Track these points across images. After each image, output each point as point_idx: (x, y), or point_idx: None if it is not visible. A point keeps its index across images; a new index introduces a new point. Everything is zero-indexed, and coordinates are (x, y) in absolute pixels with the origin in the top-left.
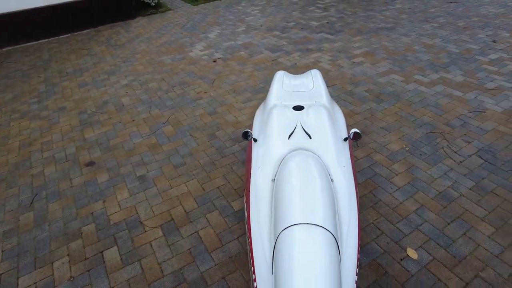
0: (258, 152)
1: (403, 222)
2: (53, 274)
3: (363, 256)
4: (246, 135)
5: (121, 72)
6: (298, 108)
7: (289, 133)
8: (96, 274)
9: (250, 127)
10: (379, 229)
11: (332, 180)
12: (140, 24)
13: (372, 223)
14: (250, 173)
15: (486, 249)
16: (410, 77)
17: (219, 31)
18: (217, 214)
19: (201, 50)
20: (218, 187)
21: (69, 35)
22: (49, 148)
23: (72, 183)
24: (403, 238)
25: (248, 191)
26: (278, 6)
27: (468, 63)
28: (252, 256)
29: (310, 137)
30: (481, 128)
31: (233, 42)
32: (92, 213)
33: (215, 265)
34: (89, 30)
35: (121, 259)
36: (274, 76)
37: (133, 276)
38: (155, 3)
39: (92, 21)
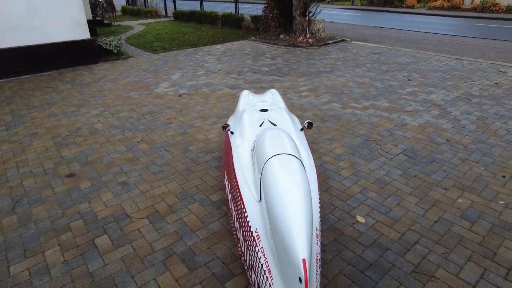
0: (236, 141)
1: (351, 199)
2: (45, 260)
3: (323, 223)
4: (225, 127)
5: (90, 105)
6: (264, 110)
7: (259, 124)
8: (89, 256)
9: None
10: (333, 205)
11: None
12: (103, 68)
13: (327, 201)
14: (232, 156)
15: (414, 212)
16: (347, 104)
17: (181, 74)
18: (198, 204)
19: (166, 88)
20: (196, 186)
21: (30, 76)
22: (25, 165)
23: (54, 190)
24: (352, 210)
25: (231, 167)
26: (232, 56)
27: (391, 95)
28: (241, 198)
29: (276, 125)
30: (404, 136)
31: (195, 82)
32: (78, 212)
33: (200, 240)
34: (51, 72)
35: (112, 243)
36: (240, 95)
37: (125, 255)
38: (117, 50)
39: (54, 64)
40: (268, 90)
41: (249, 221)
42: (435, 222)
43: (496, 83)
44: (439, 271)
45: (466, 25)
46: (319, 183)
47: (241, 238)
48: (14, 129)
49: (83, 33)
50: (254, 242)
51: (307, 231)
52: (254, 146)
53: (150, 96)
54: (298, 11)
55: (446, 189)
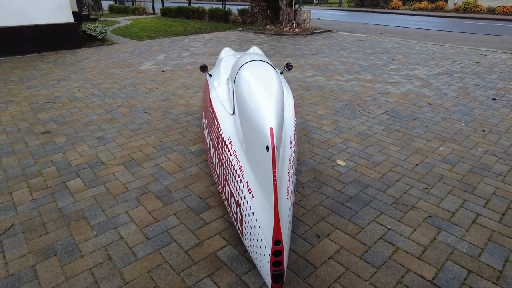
0: (213, 83)
1: (332, 148)
2: (12, 199)
3: (303, 167)
4: (204, 68)
5: (71, 79)
6: None
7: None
8: (59, 196)
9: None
10: (314, 153)
11: None
12: (87, 52)
13: (308, 150)
14: (208, 91)
15: (395, 157)
16: (331, 77)
17: (165, 55)
18: (176, 154)
19: (149, 66)
20: (175, 140)
21: (9, 57)
22: None
23: (28, 145)
24: (333, 156)
25: (208, 99)
26: (218, 42)
27: (375, 70)
28: (215, 116)
29: None
30: (386, 100)
31: (179, 61)
32: (51, 160)
33: (177, 181)
34: (32, 54)
35: (85, 184)
36: (221, 51)
37: (98, 193)
38: (102, 36)
39: (35, 47)
40: (251, 47)
41: (222, 133)
42: (417, 165)
43: (477, 62)
44: (420, 202)
45: (449, 23)
46: (296, 110)
47: (217, 161)
48: None
49: (66, 17)
50: (227, 149)
51: (276, 107)
52: (229, 76)
53: (133, 72)
54: (285, 1)
55: (427, 140)
